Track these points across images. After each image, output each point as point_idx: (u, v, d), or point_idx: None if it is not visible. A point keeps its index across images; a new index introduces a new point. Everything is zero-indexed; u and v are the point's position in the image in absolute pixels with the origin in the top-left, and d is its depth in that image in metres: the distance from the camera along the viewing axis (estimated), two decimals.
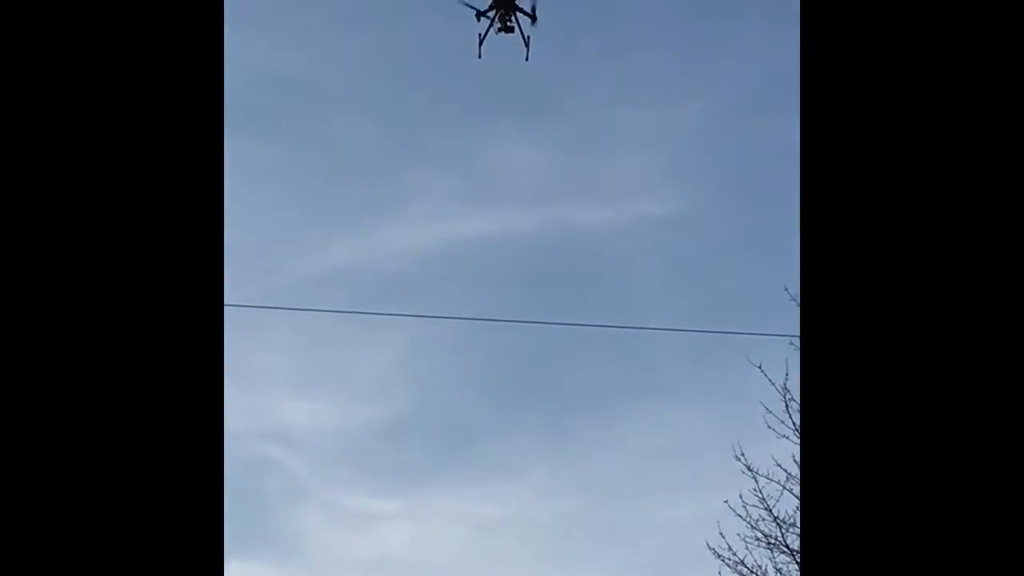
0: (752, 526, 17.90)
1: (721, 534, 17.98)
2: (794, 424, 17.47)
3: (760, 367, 17.93)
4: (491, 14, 22.41)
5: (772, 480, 17.84)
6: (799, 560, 16.04)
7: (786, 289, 17.25)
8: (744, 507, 17.95)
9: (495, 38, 22.50)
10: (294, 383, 33.50)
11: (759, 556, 17.91)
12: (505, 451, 33.28)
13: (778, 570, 17.83)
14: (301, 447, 32.84)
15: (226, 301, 7.87)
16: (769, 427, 17.78)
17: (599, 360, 32.41)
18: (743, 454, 18.15)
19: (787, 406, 17.66)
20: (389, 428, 33.58)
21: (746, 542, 17.92)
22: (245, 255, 29.21)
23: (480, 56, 22.54)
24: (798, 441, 16.14)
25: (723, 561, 17.94)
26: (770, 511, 17.83)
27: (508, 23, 22.47)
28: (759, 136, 31.95)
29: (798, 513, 16.70)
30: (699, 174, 33.05)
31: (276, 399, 33.07)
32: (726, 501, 18.01)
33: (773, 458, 17.76)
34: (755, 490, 17.96)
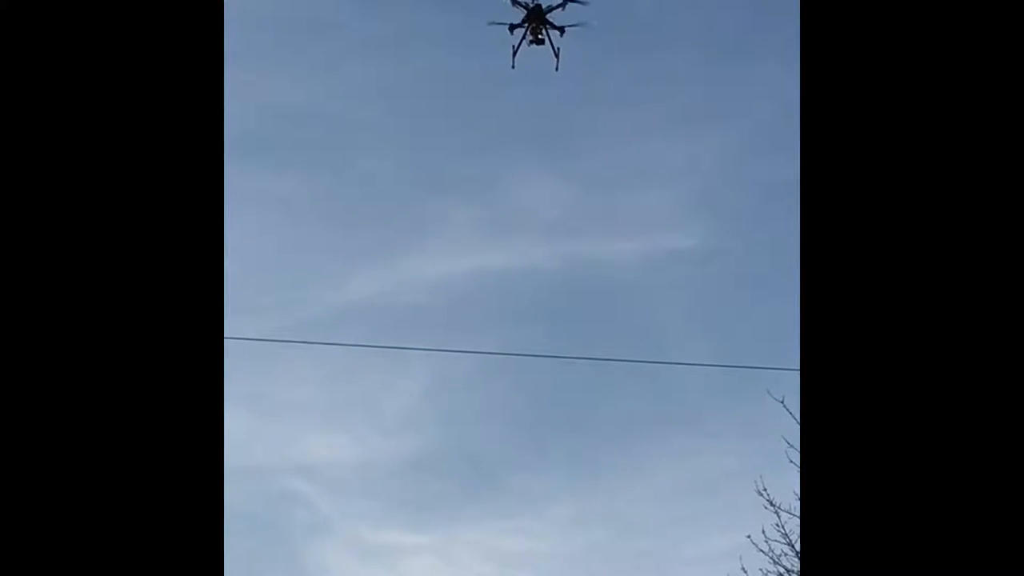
0: (774, 561, 17.91)
1: (744, 569, 18.01)
2: None
3: (782, 401, 17.92)
4: (524, 27, 23.67)
5: (794, 515, 17.82)
6: None
7: None
8: (767, 542, 17.96)
9: (526, 50, 23.82)
10: (318, 417, 33.50)
11: None
12: (529, 485, 33.23)
13: None
14: (325, 481, 32.84)
15: (248, 335, 7.93)
16: (791, 462, 17.73)
17: (623, 394, 32.38)
18: (766, 489, 18.17)
19: None
20: (413, 462, 33.55)
21: None
22: (267, 288, 29.28)
23: (513, 67, 23.81)
24: None
25: None
26: (792, 546, 17.81)
27: (539, 36, 23.84)
28: (781, 170, 31.92)
29: None
30: (722, 208, 33.08)
31: (299, 433, 33.08)
32: (749, 536, 18.02)
33: (795, 493, 17.75)
34: (778, 525, 17.98)
